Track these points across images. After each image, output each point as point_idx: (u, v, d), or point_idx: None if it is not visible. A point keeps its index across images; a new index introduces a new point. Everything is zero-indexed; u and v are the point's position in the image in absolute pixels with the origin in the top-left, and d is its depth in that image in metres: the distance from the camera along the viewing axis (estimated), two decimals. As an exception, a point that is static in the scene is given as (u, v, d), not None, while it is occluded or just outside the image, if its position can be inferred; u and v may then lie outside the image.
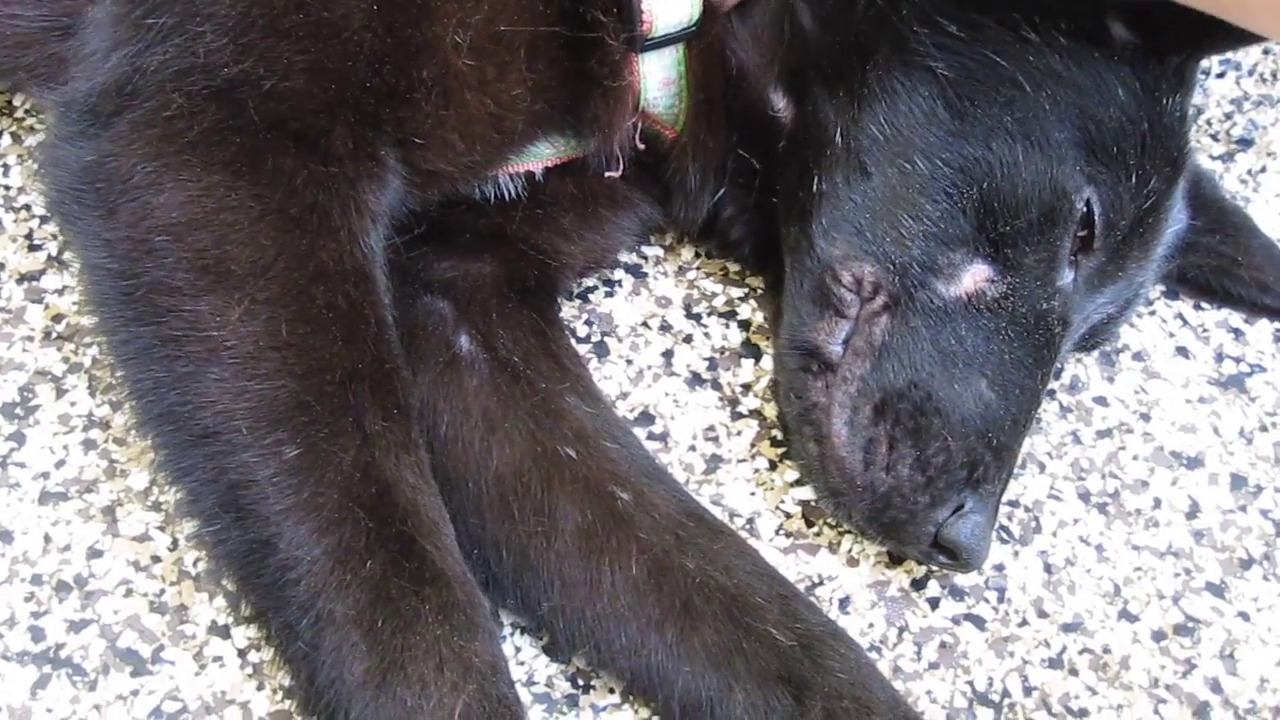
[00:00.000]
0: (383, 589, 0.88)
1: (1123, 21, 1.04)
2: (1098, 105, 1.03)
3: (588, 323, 1.23)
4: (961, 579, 1.11)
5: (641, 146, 1.15)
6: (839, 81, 1.07)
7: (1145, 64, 1.04)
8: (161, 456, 0.94)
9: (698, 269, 1.28)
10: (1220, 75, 1.54)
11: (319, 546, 0.88)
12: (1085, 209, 1.04)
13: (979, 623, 1.09)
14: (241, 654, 0.99)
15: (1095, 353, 1.26)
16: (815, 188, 1.07)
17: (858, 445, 1.05)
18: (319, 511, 0.88)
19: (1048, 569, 1.13)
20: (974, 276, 1.05)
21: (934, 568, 1.10)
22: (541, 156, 1.13)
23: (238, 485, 0.89)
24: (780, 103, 1.12)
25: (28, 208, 1.23)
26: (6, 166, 1.25)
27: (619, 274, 1.26)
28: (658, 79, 1.10)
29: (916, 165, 1.03)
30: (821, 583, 1.10)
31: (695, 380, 1.20)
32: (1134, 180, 1.04)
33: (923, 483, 1.02)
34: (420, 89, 0.98)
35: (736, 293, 1.27)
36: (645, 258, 1.28)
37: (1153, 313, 1.32)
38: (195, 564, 1.03)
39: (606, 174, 1.15)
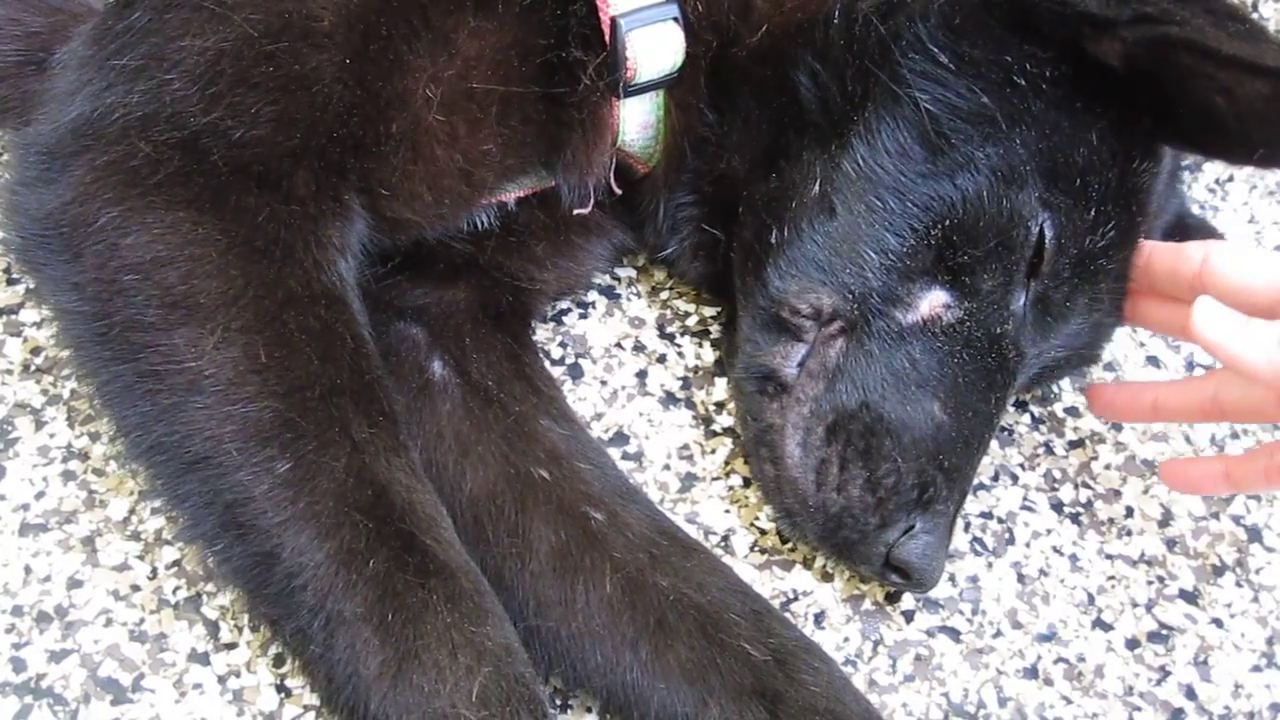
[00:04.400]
0: (388, 584, 0.89)
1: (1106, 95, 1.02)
2: (1068, 146, 1.02)
3: (562, 345, 1.24)
4: (936, 591, 1.12)
5: (618, 192, 1.16)
6: (832, 137, 1.07)
7: (1121, 129, 1.03)
8: (157, 486, 0.95)
9: (670, 289, 1.29)
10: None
11: (321, 551, 0.89)
12: (1039, 232, 1.03)
13: (954, 635, 1.10)
14: (221, 680, 1.00)
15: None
16: (775, 235, 1.07)
17: (810, 466, 1.06)
18: (317, 519, 0.90)
19: (1021, 580, 1.14)
20: (930, 303, 1.05)
21: (890, 587, 1.11)
22: (515, 188, 1.14)
23: (235, 504, 0.91)
24: (750, 166, 1.11)
25: (4, 243, 1.23)
26: (-15, 202, 1.26)
27: (592, 296, 1.28)
28: (637, 122, 1.11)
29: (886, 202, 1.03)
30: (796, 598, 1.11)
31: (669, 400, 1.21)
32: (1091, 213, 1.03)
33: (873, 503, 1.03)
34: (389, 142, 0.99)
35: (709, 312, 1.28)
36: (618, 279, 1.29)
37: (1123, 323, 1.33)
38: (174, 592, 1.04)
39: (575, 211, 1.16)
